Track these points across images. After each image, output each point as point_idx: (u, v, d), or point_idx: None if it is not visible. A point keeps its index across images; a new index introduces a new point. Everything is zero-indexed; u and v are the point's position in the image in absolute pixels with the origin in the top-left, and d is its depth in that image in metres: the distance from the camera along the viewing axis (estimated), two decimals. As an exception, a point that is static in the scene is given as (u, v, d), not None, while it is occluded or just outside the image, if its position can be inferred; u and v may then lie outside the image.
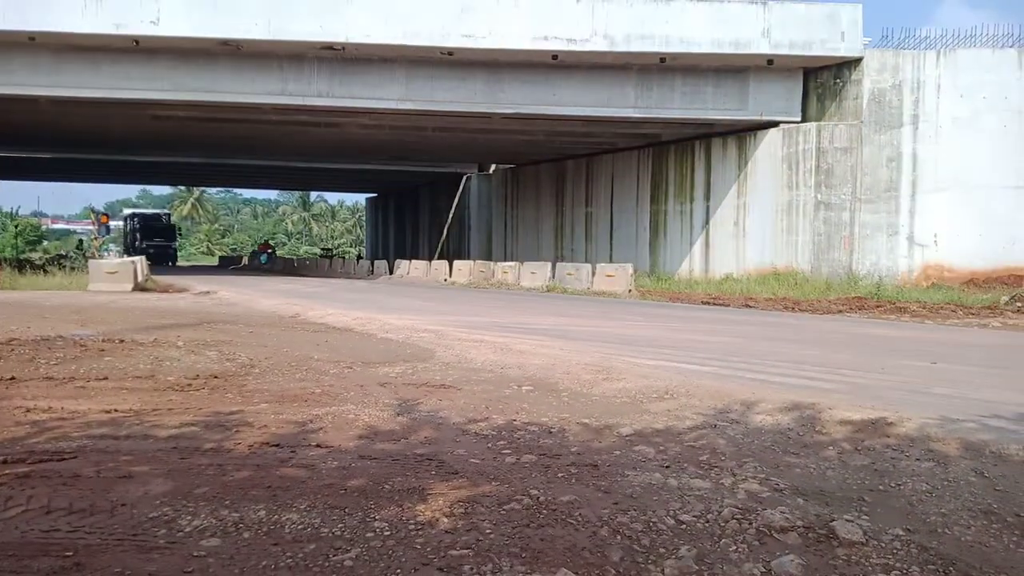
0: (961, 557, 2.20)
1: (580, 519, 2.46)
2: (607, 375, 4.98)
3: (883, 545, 2.28)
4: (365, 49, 17.09)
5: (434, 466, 3.00)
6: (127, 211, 51.95)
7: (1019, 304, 11.35)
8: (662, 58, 17.14)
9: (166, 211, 61.88)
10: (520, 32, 16.70)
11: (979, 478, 2.86)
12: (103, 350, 5.86)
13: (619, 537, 2.34)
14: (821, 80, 17.69)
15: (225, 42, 16.77)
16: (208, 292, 14.85)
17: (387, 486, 2.74)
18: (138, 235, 46.40)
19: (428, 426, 3.65)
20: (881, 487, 2.79)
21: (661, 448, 3.28)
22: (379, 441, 3.37)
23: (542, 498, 2.63)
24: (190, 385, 4.63)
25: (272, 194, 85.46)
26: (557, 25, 16.74)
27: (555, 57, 17.15)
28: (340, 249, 65.42)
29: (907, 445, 3.27)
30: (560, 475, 2.90)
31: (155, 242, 44.68)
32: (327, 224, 75.89)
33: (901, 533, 2.36)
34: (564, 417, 3.85)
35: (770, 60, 17.16)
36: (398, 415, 3.87)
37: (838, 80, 17.32)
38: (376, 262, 28.36)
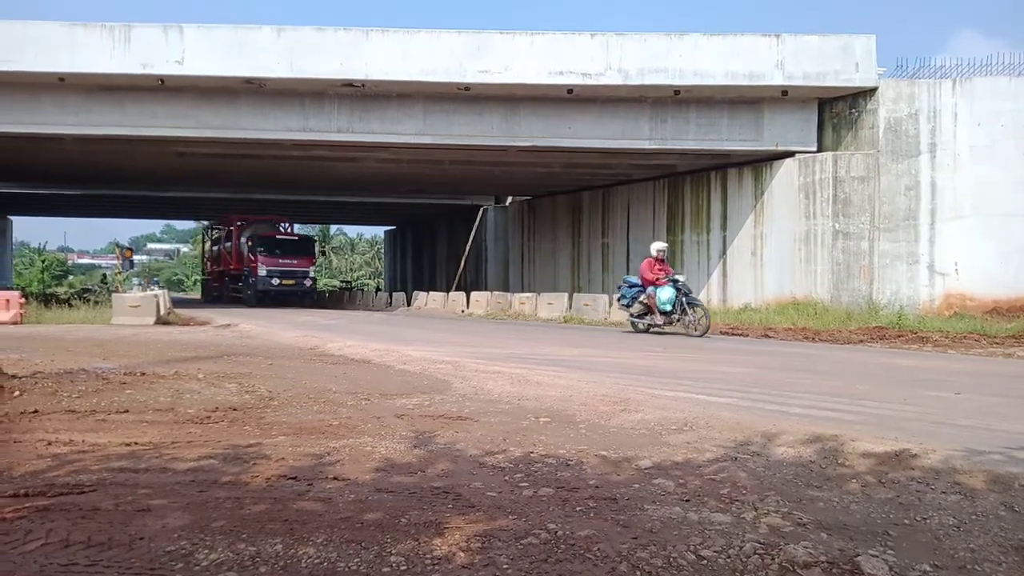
0: (992, 594, 2.14)
1: (599, 554, 2.43)
2: (625, 406, 4.94)
3: (910, 582, 2.22)
4: (384, 86, 17.45)
5: (451, 499, 2.98)
6: (249, 230, 30.66)
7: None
8: (676, 91, 17.30)
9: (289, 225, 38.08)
10: (536, 67, 16.97)
11: (1009, 512, 2.79)
12: (124, 383, 5.92)
13: (638, 573, 2.30)
14: (836, 110, 17.73)
15: (248, 80, 17.21)
16: (229, 325, 14.99)
17: (404, 520, 2.73)
18: (256, 258, 28.37)
19: (445, 458, 3.63)
20: (906, 521, 2.73)
21: (681, 481, 3.23)
22: (396, 474, 3.36)
23: (560, 532, 2.60)
24: (209, 418, 4.66)
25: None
26: (572, 60, 17.00)
27: (570, 91, 17.38)
28: (359, 281, 65.87)
29: (932, 478, 3.20)
30: (578, 509, 2.87)
31: (283, 265, 27.96)
32: (346, 257, 76.59)
33: (928, 569, 2.30)
34: (582, 449, 3.81)
35: (784, 91, 17.25)
36: (415, 447, 3.86)
37: (854, 110, 17.34)
38: (394, 294, 28.57)
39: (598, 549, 2.46)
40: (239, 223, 30.89)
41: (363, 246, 78.38)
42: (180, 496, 3.00)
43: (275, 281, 27.96)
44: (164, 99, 17.59)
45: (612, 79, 16.97)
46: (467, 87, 17.39)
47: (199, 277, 60.98)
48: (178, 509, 2.83)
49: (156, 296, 15.93)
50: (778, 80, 16.81)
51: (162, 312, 15.64)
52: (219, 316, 18.11)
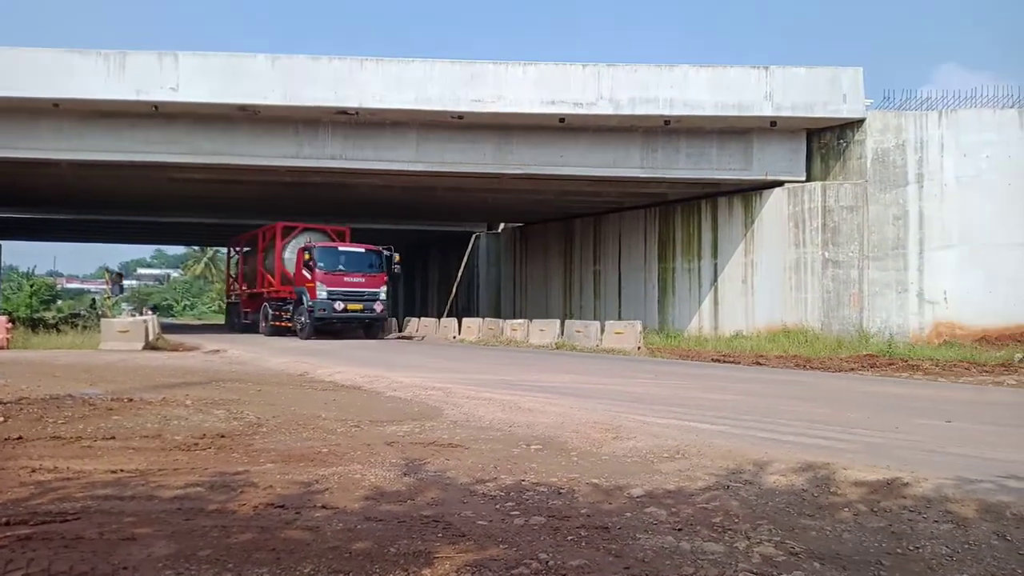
0: (986, 625, 2.12)
1: (590, 584, 2.40)
2: (617, 434, 4.92)
3: (904, 612, 2.20)
4: (378, 114, 17.60)
5: (441, 528, 2.94)
6: (299, 239, 23.57)
7: (1036, 361, 11.19)
8: (666, 120, 17.52)
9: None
10: (528, 97, 17.18)
11: (1001, 541, 2.78)
12: (111, 409, 5.85)
13: (630, 603, 2.27)
14: (825, 140, 17.98)
15: (242, 107, 17.32)
16: (218, 351, 14.88)
17: (392, 549, 2.69)
18: (313, 276, 21.17)
19: (435, 487, 3.59)
20: (899, 550, 2.71)
21: (673, 510, 3.21)
22: (385, 502, 3.32)
23: (551, 562, 2.57)
24: (196, 445, 4.60)
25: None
26: (564, 90, 17.22)
27: (562, 120, 17.57)
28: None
29: (924, 507, 3.19)
30: (570, 538, 2.84)
31: (348, 284, 21.34)
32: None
33: (922, 600, 2.28)
34: (573, 477, 3.79)
35: (773, 122, 17.50)
36: (405, 475, 3.82)
37: (842, 140, 17.60)
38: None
39: (590, 579, 2.43)
40: (284, 231, 23.63)
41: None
42: (166, 524, 2.96)
43: (339, 306, 20.84)
44: (158, 125, 17.66)
45: (603, 109, 17.18)
46: (460, 116, 17.56)
47: (189, 302, 59.74)
48: (163, 538, 2.78)
49: (145, 321, 15.81)
50: (767, 111, 17.05)
51: (151, 337, 15.51)
52: (209, 342, 17.97)
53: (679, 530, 2.93)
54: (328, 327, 21.66)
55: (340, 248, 22.19)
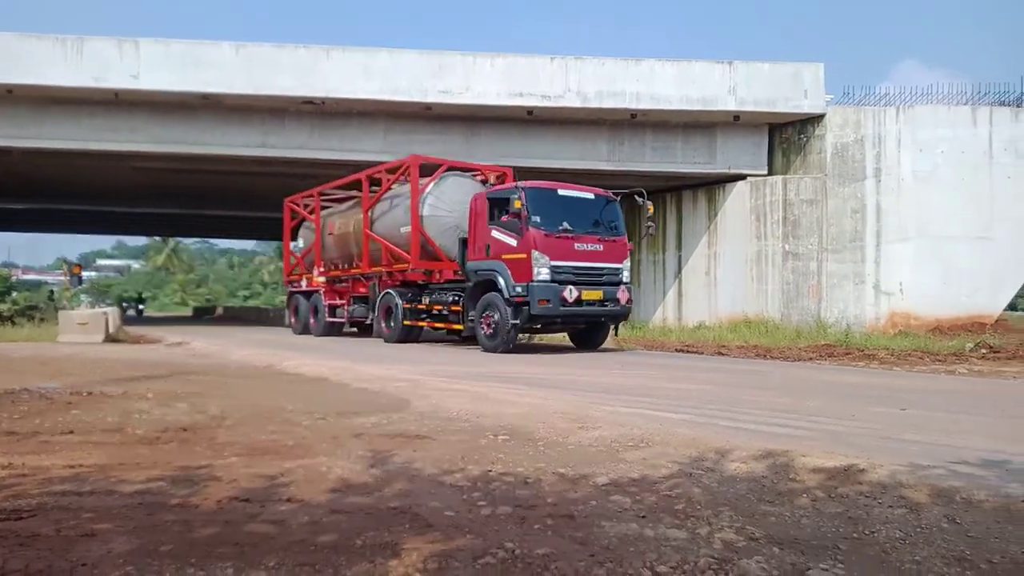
0: (935, 604, 2.20)
1: (556, 572, 2.43)
2: (583, 424, 4.97)
3: (858, 593, 2.27)
4: (344, 104, 17.40)
5: (408, 519, 2.95)
6: (447, 182, 14.56)
7: (983, 351, 11.58)
8: (633, 114, 17.66)
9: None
10: (496, 88, 17.16)
11: (951, 524, 2.88)
12: (70, 403, 5.72)
13: (595, 589, 2.31)
14: (786, 135, 18.31)
15: (205, 96, 16.98)
16: (181, 343, 14.62)
17: (359, 541, 2.69)
18: (533, 240, 11.58)
19: (402, 478, 3.60)
20: (855, 535, 2.80)
21: (637, 498, 3.26)
22: (352, 494, 3.31)
23: (517, 551, 2.60)
24: (159, 438, 4.53)
25: (249, 244, 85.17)
26: (531, 82, 17.24)
27: (530, 112, 17.59)
28: (316, 299, 64.66)
29: (879, 492, 3.29)
30: (536, 527, 2.87)
31: (582, 257, 11.95)
32: (303, 275, 75.34)
33: (875, 581, 2.36)
34: (540, 467, 3.82)
35: (736, 116, 17.75)
36: (371, 467, 3.81)
37: (802, 135, 17.93)
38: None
39: (555, 567, 2.46)
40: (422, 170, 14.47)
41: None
42: (126, 520, 2.91)
43: (569, 293, 11.70)
44: (119, 113, 17.21)
45: (571, 102, 17.25)
46: (428, 107, 17.46)
47: (151, 294, 58.02)
48: (124, 533, 2.74)
49: (105, 314, 15.45)
50: (731, 106, 17.29)
51: (111, 330, 15.17)
52: (171, 334, 17.64)
53: (643, 517, 2.98)
54: (546, 328, 13.10)
55: (560, 192, 12.35)
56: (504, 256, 11.98)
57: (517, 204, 11.55)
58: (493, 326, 12.11)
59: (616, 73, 17.31)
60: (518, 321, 11.69)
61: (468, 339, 14.17)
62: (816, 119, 17.57)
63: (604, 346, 13.57)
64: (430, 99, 17.14)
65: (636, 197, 13.11)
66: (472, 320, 12.67)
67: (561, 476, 3.65)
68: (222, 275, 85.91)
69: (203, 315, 43.46)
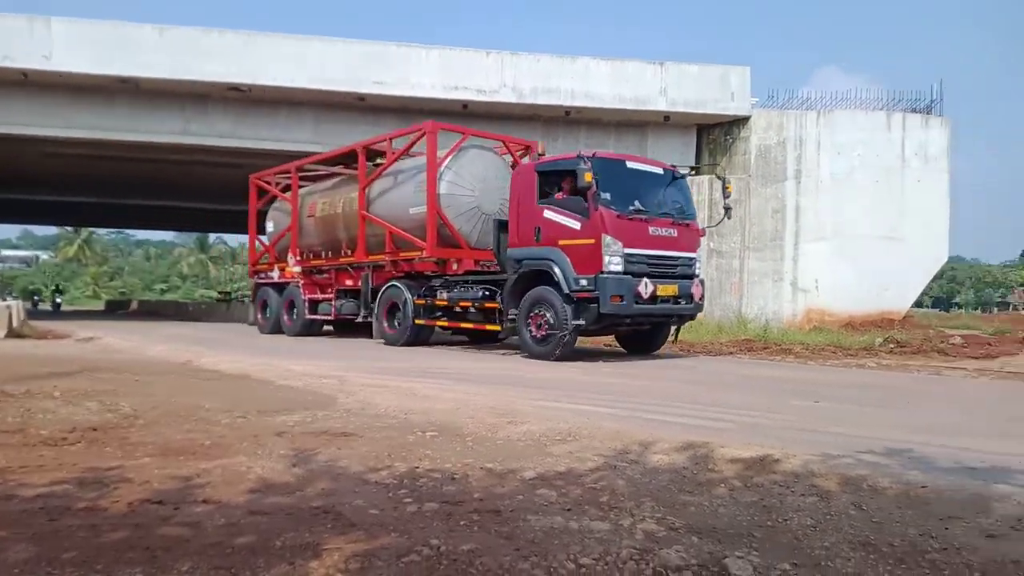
0: (841, 588, 2.30)
1: (481, 568, 2.43)
2: (512, 418, 4.98)
3: (771, 580, 2.36)
4: (273, 92, 16.91)
5: (330, 519, 2.89)
6: (468, 155, 12.33)
7: (891, 346, 12.25)
8: (567, 111, 17.83)
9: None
10: (431, 81, 17.01)
11: (857, 511, 3.03)
12: (-36, 403, 5.34)
13: (518, 584, 2.31)
14: (713, 136, 18.86)
15: (124, 80, 16.19)
16: (92, 338, 13.89)
17: (278, 542, 2.62)
18: (602, 221, 9.41)
19: (326, 477, 3.52)
20: (769, 523, 2.91)
21: (563, 491, 3.29)
22: (272, 495, 3.22)
23: (443, 548, 2.58)
24: (65, 439, 4.28)
25: (167, 235, 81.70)
26: (467, 76, 17.17)
27: (465, 106, 17.51)
28: (240, 293, 62.87)
29: (792, 481, 3.43)
30: (462, 523, 2.86)
31: (657, 243, 9.89)
32: (226, 267, 72.98)
33: (788, 568, 2.45)
34: (468, 463, 3.81)
35: (667, 116, 18.17)
36: (294, 466, 3.72)
37: (728, 136, 18.52)
38: (279, 306, 27.28)
39: (480, 563, 2.46)
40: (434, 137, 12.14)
41: (245, 256, 74.86)
42: (26, 526, 2.74)
43: (645, 288, 9.63)
44: (29, 95, 16.21)
45: (506, 97, 17.27)
46: (362, 97, 17.15)
47: (60, 286, 54.83)
48: (23, 540, 2.58)
49: (9, 307, 14.51)
50: (662, 106, 17.68)
51: (15, 324, 14.26)
52: (81, 329, 16.73)
53: (568, 510, 3.01)
54: (603, 330, 10.85)
55: (630, 164, 10.41)
56: (562, 242, 9.78)
57: (587, 178, 9.19)
58: (545, 327, 9.91)
59: (552, 70, 17.43)
60: (582, 321, 9.59)
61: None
62: (742, 121, 18.16)
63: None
64: (364, 90, 16.84)
65: (716, 176, 11.83)
66: (513, 320, 10.40)
67: (489, 471, 3.65)
68: (138, 267, 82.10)
69: (117, 309, 41.30)
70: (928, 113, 18.17)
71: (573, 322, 9.62)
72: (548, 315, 9.87)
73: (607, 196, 9.54)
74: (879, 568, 2.48)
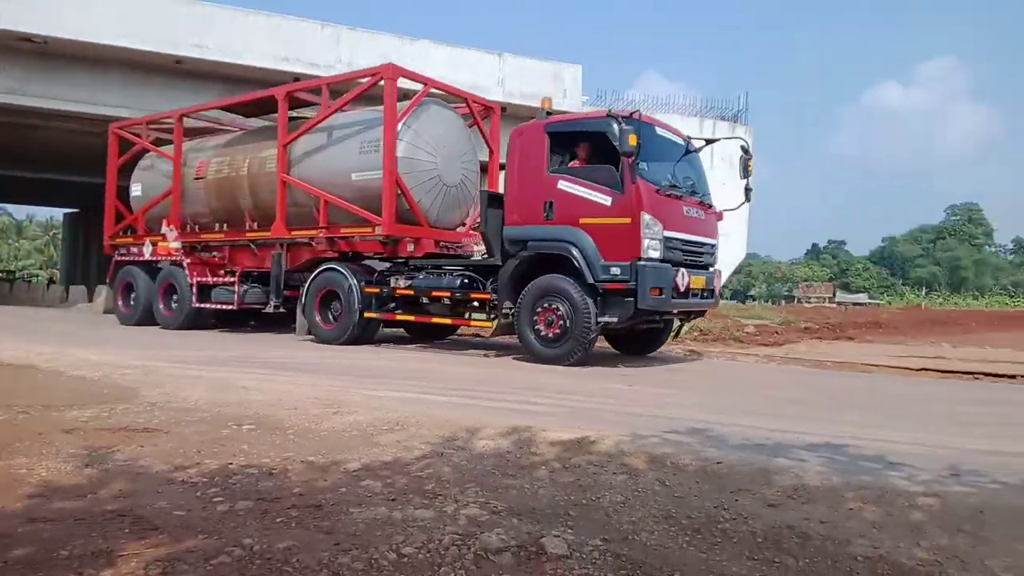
0: (647, 560, 2.49)
1: (297, 565, 2.34)
2: (338, 409, 4.84)
3: (584, 556, 2.49)
4: (73, 46, 15.05)
5: (128, 523, 2.64)
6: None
7: (696, 333, 13.45)
8: (404, 94, 17.55)
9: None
10: (261, 50, 16.04)
11: (661, 487, 3.29)
12: None
13: (337, 579, 2.26)
14: (546, 131, 19.49)
15: None
16: None
17: (64, 552, 2.35)
18: (639, 196, 7.63)
19: (124, 477, 3.20)
20: (584, 501, 3.07)
21: (388, 481, 3.26)
22: (58, 499, 2.88)
23: (256, 547, 2.45)
24: None
25: (-66, 202, 70.07)
26: (300, 48, 16.39)
27: (297, 79, 16.67)
28: (26, 272, 55.58)
29: (605, 461, 3.65)
30: (279, 520, 2.74)
31: (686, 227, 8.28)
32: (10, 242, 64.22)
33: (599, 543, 2.61)
34: (288, 456, 3.65)
35: (504, 108, 18.49)
36: (86, 467, 3.35)
37: (561, 132, 19.24)
38: (73, 288, 24.43)
39: (297, 560, 2.37)
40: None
41: (34, 230, 66.31)
42: None
43: (682, 280, 7.95)
44: None
45: (342, 72, 16.66)
46: (179, 60, 15.75)
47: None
48: None
49: None
50: (499, 97, 17.97)
51: None
52: None
53: (392, 500, 2.98)
54: (623, 329, 8.98)
55: (659, 131, 8.80)
56: (583, 220, 7.95)
57: (632, 140, 7.47)
58: (559, 325, 8.05)
59: (390, 49, 17.06)
60: (614, 319, 7.85)
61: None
62: (573, 118, 18.95)
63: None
64: (182, 52, 15.47)
65: (740, 149, 9.65)
66: (510, 315, 8.48)
67: (310, 464, 3.52)
68: None
69: None
70: (735, 121, 20.09)
71: (598, 319, 7.81)
72: (562, 310, 7.99)
73: (645, 166, 7.81)
74: (678, 539, 2.71)
